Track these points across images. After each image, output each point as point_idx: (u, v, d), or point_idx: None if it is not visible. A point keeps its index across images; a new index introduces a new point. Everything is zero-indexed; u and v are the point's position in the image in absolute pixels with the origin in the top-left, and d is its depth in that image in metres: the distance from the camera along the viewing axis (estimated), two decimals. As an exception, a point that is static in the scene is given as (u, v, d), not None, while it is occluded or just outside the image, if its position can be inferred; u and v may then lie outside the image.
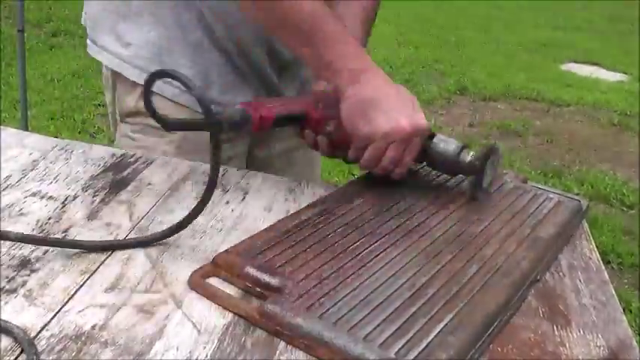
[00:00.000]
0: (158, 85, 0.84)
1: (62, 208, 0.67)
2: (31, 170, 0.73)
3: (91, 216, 0.66)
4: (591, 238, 0.73)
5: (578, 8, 7.84)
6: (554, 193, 0.77)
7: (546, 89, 4.40)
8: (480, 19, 6.71)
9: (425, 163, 0.77)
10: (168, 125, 0.67)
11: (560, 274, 0.65)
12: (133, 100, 0.89)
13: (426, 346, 0.49)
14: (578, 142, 3.58)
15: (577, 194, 0.80)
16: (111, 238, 0.62)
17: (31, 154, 0.77)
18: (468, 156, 0.73)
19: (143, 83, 0.78)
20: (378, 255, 0.60)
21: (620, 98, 4.34)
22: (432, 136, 0.75)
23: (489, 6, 7.33)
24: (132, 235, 0.63)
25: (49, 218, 0.64)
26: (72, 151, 0.79)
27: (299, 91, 0.97)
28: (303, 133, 0.79)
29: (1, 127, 0.84)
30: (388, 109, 0.71)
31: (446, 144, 0.74)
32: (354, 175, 2.79)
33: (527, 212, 0.72)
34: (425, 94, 4.12)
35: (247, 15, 0.81)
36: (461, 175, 0.77)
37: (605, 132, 3.80)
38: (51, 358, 0.46)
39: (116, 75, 0.89)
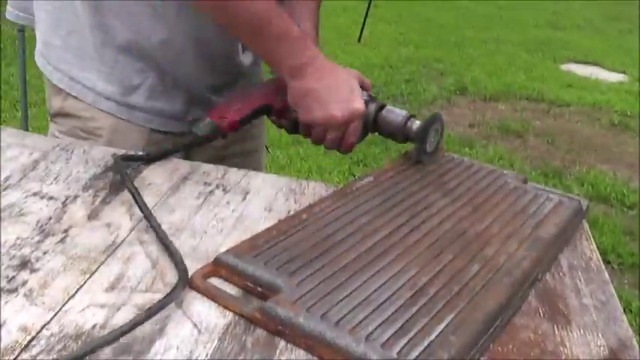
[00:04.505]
0: (78, 90, 0.88)
1: (63, 208, 0.67)
2: (32, 170, 0.73)
3: (92, 216, 0.66)
4: (591, 238, 0.73)
5: (578, 8, 7.85)
6: (554, 193, 0.77)
7: (546, 89, 4.41)
8: (480, 18, 6.72)
9: (377, 133, 0.85)
10: (150, 159, 0.77)
11: (561, 274, 0.65)
12: (58, 102, 0.90)
13: (428, 345, 0.49)
14: (578, 143, 3.58)
15: (577, 194, 0.80)
16: (111, 238, 0.62)
17: (31, 154, 0.77)
18: (414, 125, 0.82)
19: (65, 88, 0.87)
20: (380, 254, 0.60)
21: (620, 98, 4.35)
22: (382, 107, 0.84)
23: (489, 6, 7.34)
24: (133, 235, 0.63)
25: (50, 218, 0.64)
26: (72, 151, 0.79)
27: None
28: (270, 118, 0.90)
29: (2, 126, 0.84)
30: (323, 99, 0.80)
31: (394, 115, 0.83)
32: (354, 175, 2.79)
33: (527, 212, 0.72)
34: (425, 93, 4.12)
35: (205, 15, 0.84)
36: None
37: (606, 132, 3.80)
38: (51, 357, 0.46)
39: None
